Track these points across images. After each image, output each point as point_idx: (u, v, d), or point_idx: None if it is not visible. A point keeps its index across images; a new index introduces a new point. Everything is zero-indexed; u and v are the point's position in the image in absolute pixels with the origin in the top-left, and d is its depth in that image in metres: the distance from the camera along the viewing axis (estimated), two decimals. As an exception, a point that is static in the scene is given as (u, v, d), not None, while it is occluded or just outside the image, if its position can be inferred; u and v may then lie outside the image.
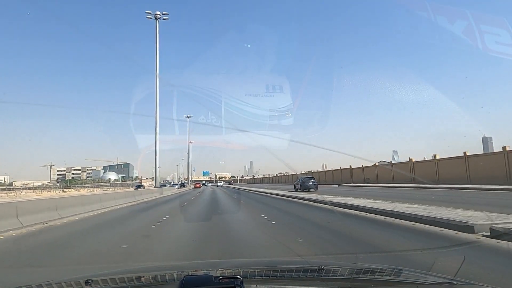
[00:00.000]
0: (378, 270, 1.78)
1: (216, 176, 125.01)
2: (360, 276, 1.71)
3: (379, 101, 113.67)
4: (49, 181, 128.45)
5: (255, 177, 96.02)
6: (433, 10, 13.63)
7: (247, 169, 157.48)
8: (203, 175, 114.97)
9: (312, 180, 28.35)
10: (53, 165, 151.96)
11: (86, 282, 1.48)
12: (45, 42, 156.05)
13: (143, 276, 1.81)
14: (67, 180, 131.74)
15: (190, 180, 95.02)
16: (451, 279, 1.51)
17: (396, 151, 71.17)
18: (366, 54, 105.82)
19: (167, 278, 1.74)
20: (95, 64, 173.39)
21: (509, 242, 4.99)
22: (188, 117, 50.46)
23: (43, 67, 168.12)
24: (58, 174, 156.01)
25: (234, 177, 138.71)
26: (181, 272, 1.69)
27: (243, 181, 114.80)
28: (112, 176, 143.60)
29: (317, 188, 27.68)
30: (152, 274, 1.86)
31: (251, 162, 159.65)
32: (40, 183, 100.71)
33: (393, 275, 1.74)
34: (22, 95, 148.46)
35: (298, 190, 27.63)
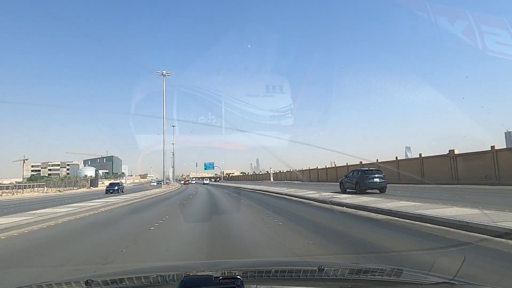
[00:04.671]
0: (378, 270, 1.85)
1: (223, 172, 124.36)
2: (360, 276, 1.78)
3: (379, 100, 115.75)
4: (21, 179, 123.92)
5: (268, 173, 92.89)
6: (433, 10, 13.93)
7: (253, 167, 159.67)
8: (205, 169, 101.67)
9: (378, 175, 17.92)
10: (27, 159, 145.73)
11: (86, 283, 1.52)
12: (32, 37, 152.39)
13: (143, 277, 1.84)
14: (43, 176, 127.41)
15: (168, 178, 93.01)
16: (452, 279, 1.57)
17: (409, 147, 65.35)
18: (366, 54, 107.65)
19: (167, 279, 1.78)
20: (86, 59, 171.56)
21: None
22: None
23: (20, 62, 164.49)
24: (32, 170, 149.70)
25: (244, 173, 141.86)
26: (181, 272, 1.73)
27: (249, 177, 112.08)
28: (90, 171, 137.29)
29: (385, 188, 17.57)
30: (152, 275, 1.89)
31: (257, 159, 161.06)
32: (8, 182, 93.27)
33: (393, 275, 1.81)
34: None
35: (349, 190, 18.64)
